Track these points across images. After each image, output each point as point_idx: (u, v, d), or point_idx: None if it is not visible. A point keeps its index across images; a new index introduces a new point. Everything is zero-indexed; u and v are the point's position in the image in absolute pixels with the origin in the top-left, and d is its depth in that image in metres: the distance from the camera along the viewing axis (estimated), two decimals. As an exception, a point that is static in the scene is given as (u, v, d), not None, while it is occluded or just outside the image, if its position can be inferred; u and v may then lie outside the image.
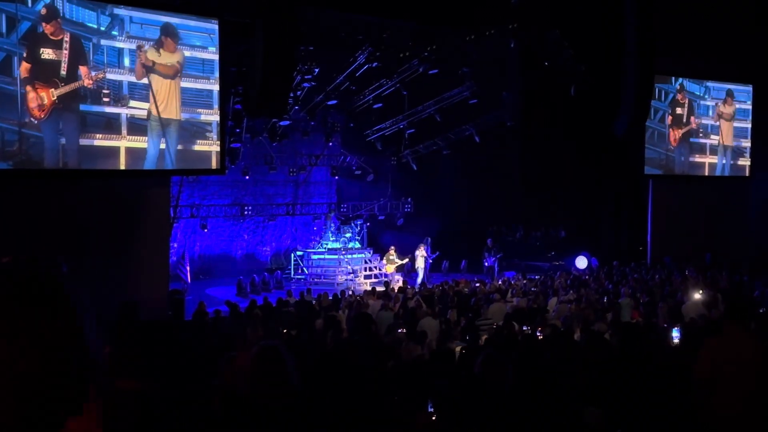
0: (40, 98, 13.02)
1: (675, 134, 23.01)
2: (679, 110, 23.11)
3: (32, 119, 12.97)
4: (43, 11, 13.10)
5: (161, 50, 14.73)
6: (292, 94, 19.10)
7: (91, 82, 13.72)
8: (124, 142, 14.24)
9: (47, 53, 13.15)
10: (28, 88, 12.91)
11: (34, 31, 13.01)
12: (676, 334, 8.86)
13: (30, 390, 1.13)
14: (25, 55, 12.85)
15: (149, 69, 14.55)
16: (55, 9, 13.25)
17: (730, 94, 23.93)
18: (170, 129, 14.85)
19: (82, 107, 13.69)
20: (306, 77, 20.74)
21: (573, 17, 20.45)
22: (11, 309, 1.15)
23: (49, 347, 1.16)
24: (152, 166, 14.74)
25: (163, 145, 14.77)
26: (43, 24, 13.10)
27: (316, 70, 20.73)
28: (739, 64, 23.25)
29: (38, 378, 1.14)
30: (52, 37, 13.18)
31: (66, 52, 13.34)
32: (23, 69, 12.83)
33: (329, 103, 22.88)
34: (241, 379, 4.30)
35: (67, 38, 13.36)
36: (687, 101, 23.21)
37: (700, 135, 23.67)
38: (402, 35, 21.10)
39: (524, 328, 11.17)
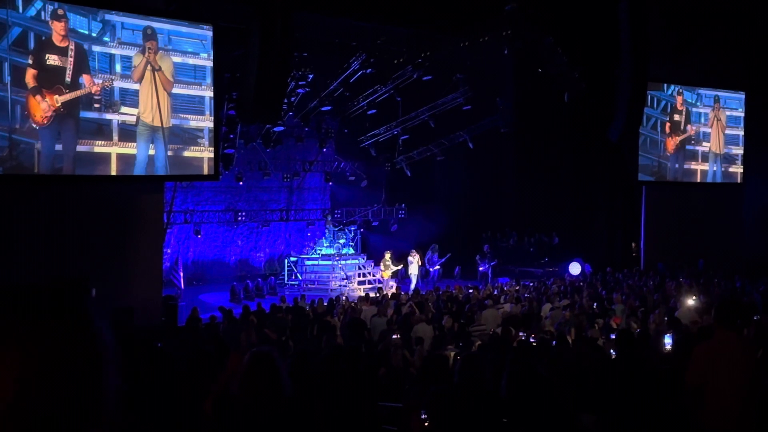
0: (45, 104, 13.01)
1: (673, 141, 23.07)
2: (677, 117, 23.19)
3: (33, 125, 12.96)
4: (60, 11, 13.20)
5: (167, 55, 14.83)
6: (286, 100, 19.10)
7: (98, 88, 13.74)
8: (116, 148, 14.20)
9: (53, 59, 13.19)
10: (33, 92, 12.91)
11: (39, 38, 13.06)
12: (668, 341, 8.86)
13: (36, 411, 1.09)
14: (31, 61, 12.88)
15: (154, 70, 14.55)
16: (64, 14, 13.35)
17: (717, 100, 24.01)
18: (159, 135, 14.80)
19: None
20: (300, 83, 20.74)
21: (567, 24, 20.52)
22: (32, 328, 1.11)
23: (65, 370, 1.12)
24: (142, 172, 14.71)
25: (152, 151, 14.72)
26: (52, 22, 13.11)
27: (310, 76, 20.73)
28: (731, 72, 23.37)
29: (48, 398, 1.10)
30: (58, 44, 13.22)
31: (71, 59, 13.37)
32: (29, 76, 12.86)
33: (323, 109, 22.89)
34: (233, 384, 4.28)
35: (72, 46, 13.39)
36: (684, 109, 23.30)
37: (693, 142, 23.75)
38: (396, 41, 21.14)
39: (521, 334, 11.16)
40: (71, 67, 13.39)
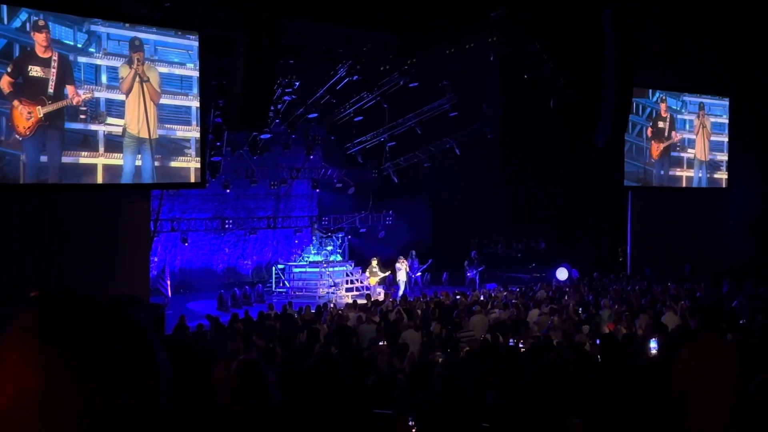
0: (27, 115, 12.91)
1: (657, 147, 23.18)
2: (661, 124, 23.30)
3: (17, 136, 12.83)
4: (41, 22, 13.07)
5: (153, 66, 14.77)
6: (272, 108, 19.10)
7: (80, 99, 13.64)
8: (102, 159, 14.09)
9: (35, 71, 13.02)
10: (15, 104, 12.77)
11: (23, 49, 12.92)
12: (653, 345, 8.91)
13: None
14: (9, 70, 12.72)
15: (142, 81, 14.50)
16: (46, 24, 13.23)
17: (701, 107, 24.16)
18: (146, 146, 14.71)
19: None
20: (286, 90, 20.77)
21: (552, 30, 20.61)
22: (95, 348, 1.11)
23: (127, 390, 1.12)
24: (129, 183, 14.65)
25: (139, 162, 14.63)
26: (34, 33, 13.00)
27: (297, 83, 20.77)
28: (716, 78, 23.53)
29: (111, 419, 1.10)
30: (41, 55, 13.09)
31: (54, 70, 13.23)
32: (5, 84, 12.67)
33: (310, 116, 22.92)
34: (221, 392, 4.29)
35: (55, 57, 13.27)
36: (669, 115, 23.42)
37: (678, 149, 23.88)
38: (382, 48, 21.19)
39: (510, 341, 11.20)
40: (54, 78, 13.23)
